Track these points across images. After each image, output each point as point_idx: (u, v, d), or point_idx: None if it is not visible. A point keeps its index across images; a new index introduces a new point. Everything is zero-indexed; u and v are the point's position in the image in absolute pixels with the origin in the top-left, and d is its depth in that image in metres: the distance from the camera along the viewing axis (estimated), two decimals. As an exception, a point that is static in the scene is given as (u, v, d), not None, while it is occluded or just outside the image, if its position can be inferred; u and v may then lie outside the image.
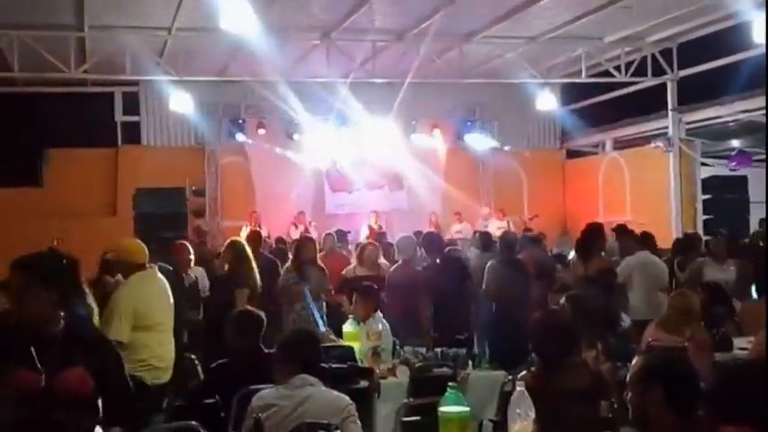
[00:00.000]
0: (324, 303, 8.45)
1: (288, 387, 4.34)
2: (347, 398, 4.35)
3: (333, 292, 8.80)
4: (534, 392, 3.69)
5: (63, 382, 3.31)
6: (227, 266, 8.46)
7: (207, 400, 5.31)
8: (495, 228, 15.60)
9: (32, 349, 3.44)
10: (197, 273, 9.43)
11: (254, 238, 9.94)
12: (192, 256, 8.87)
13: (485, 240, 11.08)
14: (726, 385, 3.45)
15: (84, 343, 3.70)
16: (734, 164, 15.37)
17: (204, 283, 9.44)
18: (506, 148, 18.93)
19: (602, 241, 9.09)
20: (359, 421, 4.30)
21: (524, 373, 4.30)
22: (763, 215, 12.74)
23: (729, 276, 8.98)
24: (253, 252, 8.44)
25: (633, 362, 3.36)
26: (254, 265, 8.18)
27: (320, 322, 8.07)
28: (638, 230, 10.33)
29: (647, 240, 9.86)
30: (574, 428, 3.04)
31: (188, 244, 9.12)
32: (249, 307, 6.14)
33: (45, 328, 3.61)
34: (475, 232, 14.38)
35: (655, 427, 3.22)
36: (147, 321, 5.91)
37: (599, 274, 7.96)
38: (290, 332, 4.88)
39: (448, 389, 3.81)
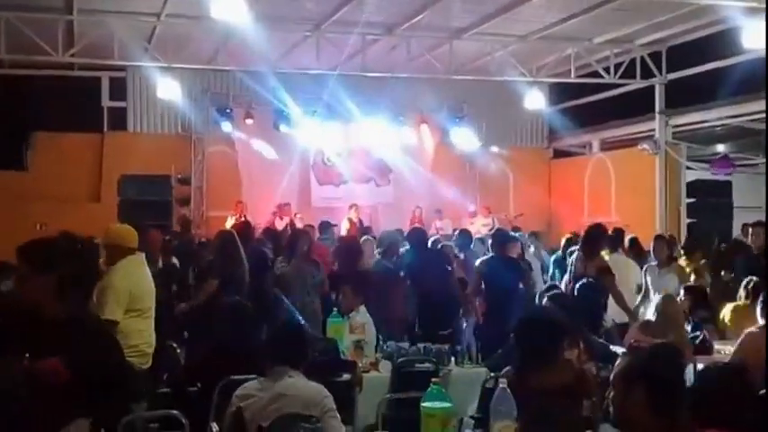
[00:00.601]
0: (317, 299, 8.43)
1: (268, 379, 4.35)
2: (325, 391, 4.35)
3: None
4: (517, 390, 3.68)
5: (36, 371, 3.29)
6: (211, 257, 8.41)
7: (188, 388, 5.31)
8: (481, 225, 15.63)
9: (26, 336, 3.41)
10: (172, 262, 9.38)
11: (244, 228, 9.64)
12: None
13: (464, 238, 11.10)
14: (706, 389, 3.47)
15: (84, 331, 3.66)
16: (715, 168, 15.46)
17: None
18: (494, 148, 18.95)
19: (604, 242, 9.16)
20: (338, 414, 4.30)
21: (507, 369, 4.29)
22: (747, 220, 12.79)
23: (669, 282, 8.95)
24: (242, 243, 8.34)
25: (618, 361, 3.35)
26: (242, 257, 7.95)
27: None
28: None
29: (618, 242, 9.94)
30: (556, 427, 3.03)
31: (157, 233, 8.92)
32: (239, 299, 6.13)
33: (44, 314, 3.57)
34: (454, 230, 14.37)
35: (636, 428, 3.21)
36: (140, 306, 5.90)
37: (597, 274, 8.02)
38: (278, 326, 4.86)
39: (431, 384, 3.79)
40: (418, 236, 9.52)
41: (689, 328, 7.35)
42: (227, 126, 17.14)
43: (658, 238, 10.17)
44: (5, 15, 12.48)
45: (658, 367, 3.27)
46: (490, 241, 9.69)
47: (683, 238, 14.42)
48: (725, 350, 6.76)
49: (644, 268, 9.44)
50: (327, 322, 7.02)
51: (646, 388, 3.16)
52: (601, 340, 5.98)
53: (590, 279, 7.45)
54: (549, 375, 4.14)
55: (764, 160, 14.40)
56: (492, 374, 5.71)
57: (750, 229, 10.27)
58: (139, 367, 5.85)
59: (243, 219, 15.55)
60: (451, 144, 18.60)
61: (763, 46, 10.01)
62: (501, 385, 3.69)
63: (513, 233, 12.00)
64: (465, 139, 18.37)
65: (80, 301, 3.92)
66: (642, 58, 15.64)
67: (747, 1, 11.19)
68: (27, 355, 3.40)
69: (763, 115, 12.03)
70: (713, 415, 3.31)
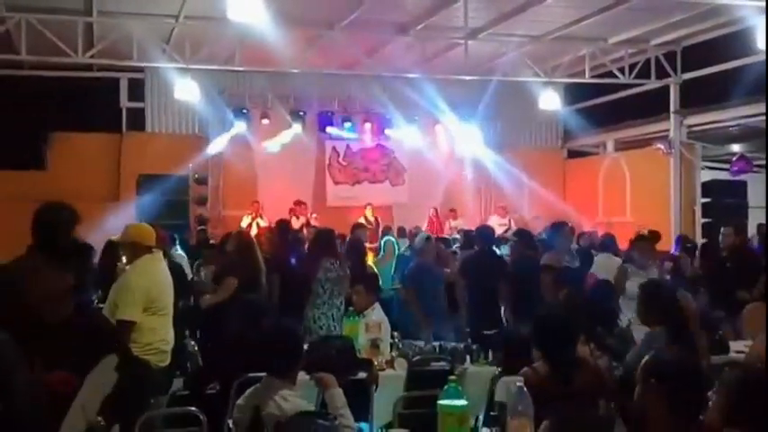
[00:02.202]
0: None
1: (259, 386, 4.38)
2: (277, 411, 4.20)
3: None
4: (535, 389, 3.71)
5: (47, 384, 3.27)
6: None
7: (206, 385, 5.36)
8: (497, 225, 15.61)
9: (27, 339, 3.33)
10: (180, 259, 9.45)
11: (283, 227, 9.61)
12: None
13: (467, 238, 11.13)
14: (731, 391, 3.47)
15: (93, 332, 3.65)
16: (735, 169, 15.40)
17: (187, 270, 9.43)
18: (508, 148, 18.93)
19: (565, 240, 9.26)
20: None
21: (525, 369, 4.32)
22: (762, 220, 12.78)
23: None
24: (280, 242, 8.33)
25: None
26: (259, 261, 7.93)
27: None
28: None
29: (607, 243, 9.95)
30: (575, 425, 3.06)
31: (164, 232, 8.97)
32: (252, 296, 6.18)
33: (53, 313, 3.51)
34: (460, 230, 14.40)
35: (654, 428, 3.22)
36: (158, 304, 5.91)
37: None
38: (263, 334, 4.81)
39: (448, 382, 3.77)
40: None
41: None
42: (243, 126, 17.22)
43: (644, 238, 9.78)
44: (26, 17, 12.60)
45: (676, 367, 3.29)
46: (515, 240, 9.72)
47: (698, 239, 14.44)
48: (742, 349, 6.74)
49: (623, 268, 8.87)
50: (343, 321, 7.08)
51: (663, 388, 3.17)
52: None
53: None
54: (567, 374, 4.16)
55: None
56: (499, 369, 5.77)
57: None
58: (156, 365, 5.86)
59: (259, 218, 15.70)
60: (466, 144, 18.60)
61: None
62: (518, 383, 3.71)
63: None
64: (479, 139, 18.38)
65: (81, 302, 3.87)
66: (657, 59, 15.62)
67: (762, 1, 11.17)
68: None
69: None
70: (733, 415, 3.32)
